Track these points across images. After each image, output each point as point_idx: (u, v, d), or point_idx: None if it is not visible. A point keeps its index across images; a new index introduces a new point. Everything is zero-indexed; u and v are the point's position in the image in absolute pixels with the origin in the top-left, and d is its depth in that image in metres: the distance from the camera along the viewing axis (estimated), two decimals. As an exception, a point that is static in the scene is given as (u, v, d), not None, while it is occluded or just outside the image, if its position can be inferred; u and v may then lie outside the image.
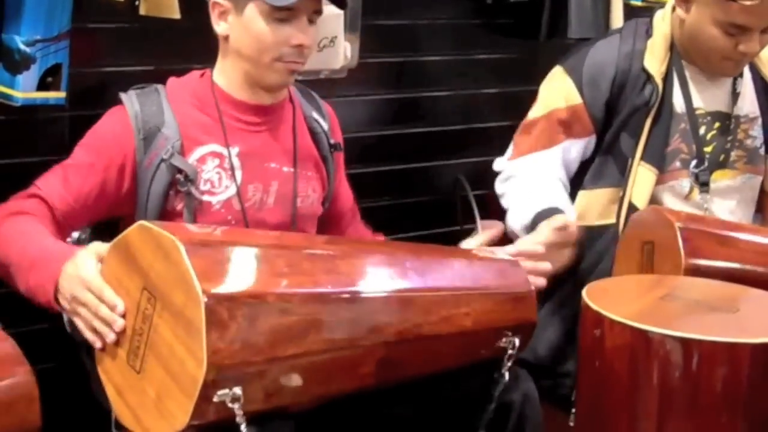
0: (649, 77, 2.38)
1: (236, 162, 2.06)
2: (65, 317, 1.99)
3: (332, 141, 2.21)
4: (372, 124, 2.92)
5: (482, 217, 2.94)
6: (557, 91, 2.44)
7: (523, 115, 2.51)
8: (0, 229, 1.91)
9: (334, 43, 2.56)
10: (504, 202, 2.46)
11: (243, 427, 1.62)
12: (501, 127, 2.51)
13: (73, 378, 1.98)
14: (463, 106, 3.08)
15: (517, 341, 1.97)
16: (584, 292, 1.88)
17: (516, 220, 2.37)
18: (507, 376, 1.96)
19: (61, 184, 1.98)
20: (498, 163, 2.52)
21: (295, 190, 2.12)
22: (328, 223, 2.27)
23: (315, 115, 2.20)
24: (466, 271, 2.03)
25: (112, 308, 1.70)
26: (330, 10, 2.44)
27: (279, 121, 2.13)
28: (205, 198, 2.03)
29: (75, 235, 2.06)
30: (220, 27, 2.05)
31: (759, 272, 2.12)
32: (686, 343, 1.72)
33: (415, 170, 3.01)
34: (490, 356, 1.98)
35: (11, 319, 1.90)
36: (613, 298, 1.89)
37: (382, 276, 1.88)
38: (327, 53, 2.56)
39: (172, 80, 2.11)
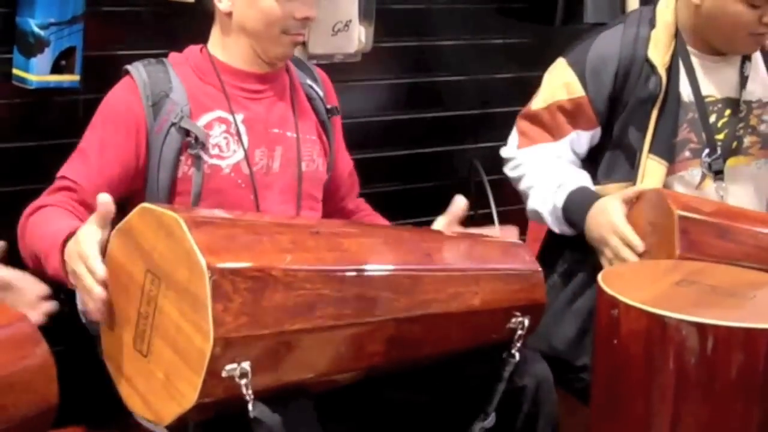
0: (652, 68, 2.35)
1: (242, 128, 2.08)
2: (78, 306, 2.00)
3: (329, 106, 2.23)
4: (386, 108, 2.91)
5: (496, 202, 2.94)
6: (560, 84, 2.40)
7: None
8: (26, 226, 1.94)
9: (349, 27, 2.55)
10: (522, 185, 2.43)
11: (251, 404, 1.61)
12: (515, 112, 2.50)
13: (88, 359, 1.98)
14: (478, 90, 3.07)
15: (526, 322, 1.97)
16: (600, 277, 1.87)
17: (542, 202, 2.36)
18: (517, 356, 1.95)
19: (83, 165, 2.01)
20: (506, 151, 2.49)
21: (299, 154, 2.13)
22: (327, 191, 2.26)
23: (309, 81, 2.23)
24: (473, 251, 2.03)
25: (95, 274, 1.69)
26: (345, -6, 2.44)
27: (279, 89, 2.16)
28: (215, 162, 2.05)
29: None
30: (222, 4, 2.08)
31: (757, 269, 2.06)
32: (702, 329, 1.70)
33: (429, 155, 3.00)
34: (501, 339, 1.97)
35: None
36: (629, 283, 1.88)
37: (387, 254, 1.87)
38: (341, 37, 2.55)
39: (173, 54, 2.14)
